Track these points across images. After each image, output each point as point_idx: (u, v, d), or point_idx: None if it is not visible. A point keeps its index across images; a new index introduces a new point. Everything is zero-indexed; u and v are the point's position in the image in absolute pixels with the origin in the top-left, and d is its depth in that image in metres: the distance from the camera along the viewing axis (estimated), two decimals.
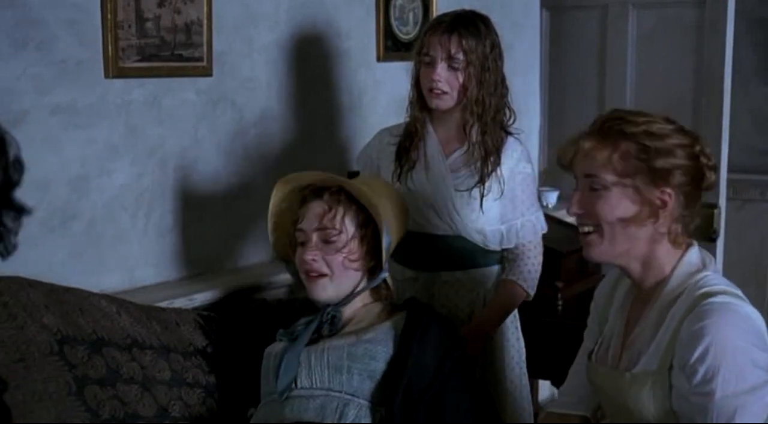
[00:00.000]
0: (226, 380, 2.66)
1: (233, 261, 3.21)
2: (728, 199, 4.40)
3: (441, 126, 2.90)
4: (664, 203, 2.05)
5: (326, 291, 2.48)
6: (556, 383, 3.52)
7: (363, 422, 2.34)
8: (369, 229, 2.49)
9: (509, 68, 4.41)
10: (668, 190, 2.04)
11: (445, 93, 2.81)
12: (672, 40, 4.37)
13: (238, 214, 3.19)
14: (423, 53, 2.83)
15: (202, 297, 2.90)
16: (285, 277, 2.99)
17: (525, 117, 4.57)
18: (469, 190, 2.81)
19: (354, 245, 2.48)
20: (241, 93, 3.18)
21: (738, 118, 4.88)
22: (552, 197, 4.47)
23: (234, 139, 3.17)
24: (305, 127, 3.43)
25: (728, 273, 4.14)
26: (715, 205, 3.96)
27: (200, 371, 2.61)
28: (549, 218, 4.06)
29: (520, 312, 3.00)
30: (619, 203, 2.05)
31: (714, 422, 1.89)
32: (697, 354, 1.90)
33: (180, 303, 2.82)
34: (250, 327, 2.74)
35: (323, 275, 2.47)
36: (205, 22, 2.99)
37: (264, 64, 3.25)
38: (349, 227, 2.48)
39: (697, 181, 2.08)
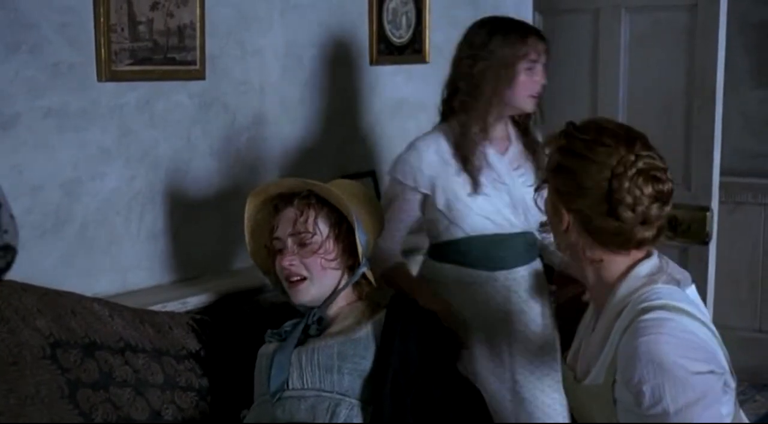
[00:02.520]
0: (219, 383, 2.65)
1: (226, 265, 3.21)
2: (721, 202, 4.40)
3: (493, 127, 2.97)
4: (560, 219, 2.07)
5: (308, 294, 2.53)
6: None
7: (354, 420, 2.36)
8: (342, 227, 2.54)
9: None
10: (562, 209, 2.05)
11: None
12: (664, 43, 4.37)
13: (230, 217, 3.19)
14: (528, 59, 2.92)
15: (195, 301, 2.90)
16: None
17: None
18: (533, 184, 2.83)
19: (329, 244, 2.53)
20: (233, 96, 3.17)
21: (730, 121, 4.89)
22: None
23: (227, 143, 3.17)
24: (298, 130, 3.43)
25: (721, 276, 4.17)
26: (707, 209, 3.96)
27: (193, 374, 2.61)
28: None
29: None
30: (547, 209, 2.12)
31: None
32: (637, 375, 1.89)
33: (173, 307, 2.82)
34: (243, 330, 2.74)
35: (303, 279, 2.52)
36: (198, 25, 2.99)
37: (257, 68, 3.25)
38: (323, 228, 2.53)
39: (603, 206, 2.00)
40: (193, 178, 3.08)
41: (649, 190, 1.96)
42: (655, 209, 1.98)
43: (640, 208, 1.96)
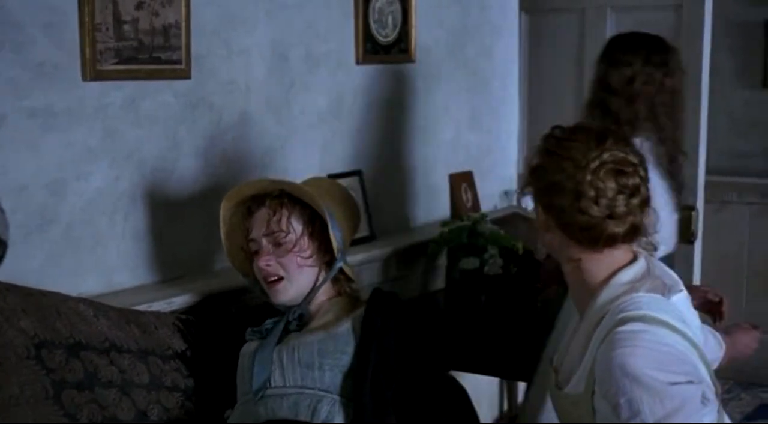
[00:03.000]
0: (204, 383, 2.65)
1: (212, 264, 3.20)
2: (706, 201, 4.42)
3: None
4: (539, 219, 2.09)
5: (287, 294, 2.55)
6: None
7: (336, 417, 2.38)
8: (316, 224, 2.56)
9: (488, 71, 4.45)
10: (539, 208, 2.09)
11: None
12: None
13: (216, 217, 3.16)
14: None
15: (180, 300, 2.90)
16: None
17: (503, 120, 4.59)
18: None
19: (304, 242, 2.55)
20: (219, 96, 3.17)
21: (716, 121, 4.91)
22: (531, 200, 4.46)
23: (212, 143, 3.16)
24: (283, 129, 3.42)
25: (706, 275, 4.18)
26: (692, 208, 3.98)
27: (179, 374, 2.61)
28: (528, 221, 4.08)
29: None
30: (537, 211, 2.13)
31: None
32: (614, 388, 1.89)
33: (158, 307, 2.81)
34: (228, 330, 2.74)
35: (281, 279, 2.54)
36: (183, 24, 2.98)
37: (243, 67, 3.24)
38: (297, 226, 2.55)
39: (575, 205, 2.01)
40: (179, 177, 3.08)
41: (611, 183, 1.97)
42: (621, 203, 1.98)
43: (603, 201, 1.97)
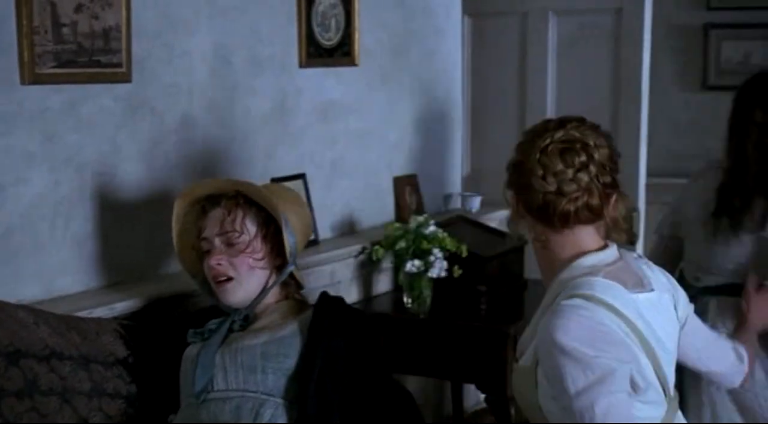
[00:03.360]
0: (147, 389, 2.63)
1: (155, 269, 3.17)
2: (648, 203, 4.48)
3: None
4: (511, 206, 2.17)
5: (236, 295, 2.54)
6: (481, 386, 3.55)
7: (279, 421, 2.37)
8: (270, 228, 2.56)
9: (432, 74, 4.46)
10: (514, 197, 2.15)
11: None
12: (591, 46, 4.44)
13: (159, 221, 3.15)
14: None
15: (123, 306, 2.86)
16: None
17: (447, 122, 4.60)
18: None
19: (257, 244, 2.54)
20: (161, 99, 3.14)
21: (656, 123, 4.98)
22: (475, 202, 4.50)
23: (154, 146, 3.14)
24: (227, 133, 3.40)
25: None
26: (633, 209, 4.02)
27: (121, 381, 2.58)
28: (473, 224, 4.10)
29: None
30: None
31: (578, 420, 1.92)
32: (545, 356, 1.97)
33: (100, 312, 2.78)
34: (172, 336, 2.72)
35: (230, 279, 2.53)
36: (123, 28, 2.95)
37: (185, 71, 3.22)
38: (250, 228, 2.55)
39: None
40: (120, 182, 3.04)
41: (556, 159, 2.05)
42: (567, 178, 2.04)
43: (550, 178, 2.05)
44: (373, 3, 4.02)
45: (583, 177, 2.05)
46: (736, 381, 2.45)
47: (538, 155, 2.05)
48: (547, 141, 2.06)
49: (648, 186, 4.45)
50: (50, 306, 2.69)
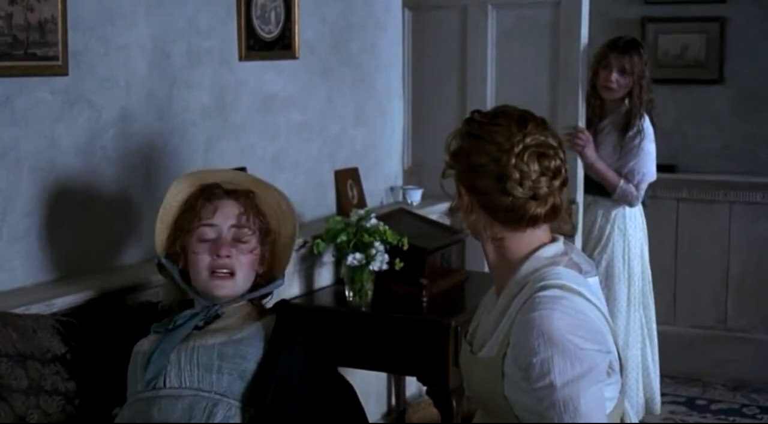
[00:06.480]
0: (87, 386, 2.60)
1: (94, 265, 3.14)
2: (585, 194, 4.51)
3: None
4: (461, 201, 2.16)
5: (230, 291, 2.54)
6: (422, 379, 3.56)
7: (232, 421, 2.34)
8: (267, 238, 2.61)
9: (372, 67, 4.47)
10: (462, 190, 2.14)
11: None
12: (530, 39, 4.48)
13: (98, 216, 3.12)
14: None
15: (61, 302, 2.83)
16: (151, 279, 2.97)
17: (388, 115, 4.61)
18: None
19: (260, 249, 2.58)
20: (98, 93, 3.11)
21: None
22: (416, 195, 4.51)
23: (92, 140, 3.10)
24: (166, 127, 3.38)
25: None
26: (573, 201, 4.07)
27: (59, 378, 2.55)
28: (414, 217, 4.11)
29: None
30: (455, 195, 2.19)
31: (560, 411, 1.94)
32: (528, 347, 1.97)
33: (38, 309, 2.74)
34: (111, 332, 2.70)
35: (233, 275, 2.52)
36: (59, 20, 2.91)
37: (122, 64, 3.18)
38: (257, 231, 2.58)
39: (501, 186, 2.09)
40: (58, 176, 3.01)
41: (535, 165, 2.06)
42: (543, 184, 2.07)
43: (527, 183, 2.05)
44: None
45: (556, 182, 2.09)
46: None
47: (513, 160, 2.05)
48: (520, 146, 2.05)
49: (585, 178, 4.49)
50: None
